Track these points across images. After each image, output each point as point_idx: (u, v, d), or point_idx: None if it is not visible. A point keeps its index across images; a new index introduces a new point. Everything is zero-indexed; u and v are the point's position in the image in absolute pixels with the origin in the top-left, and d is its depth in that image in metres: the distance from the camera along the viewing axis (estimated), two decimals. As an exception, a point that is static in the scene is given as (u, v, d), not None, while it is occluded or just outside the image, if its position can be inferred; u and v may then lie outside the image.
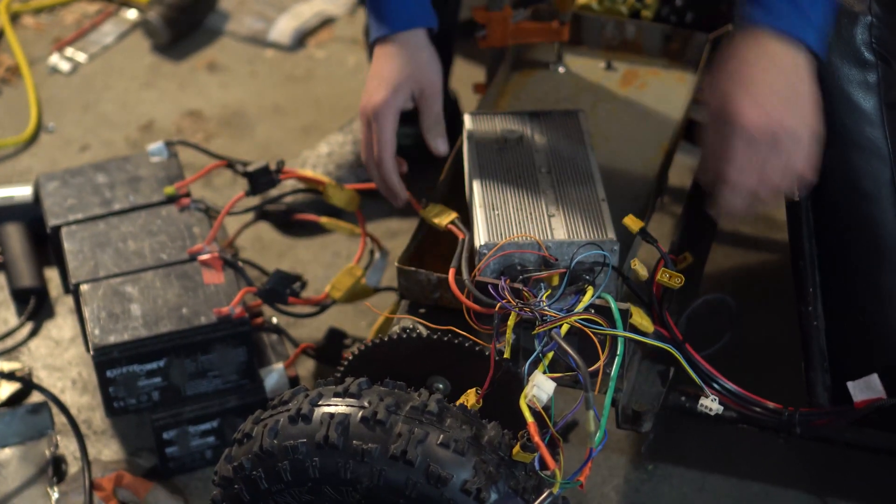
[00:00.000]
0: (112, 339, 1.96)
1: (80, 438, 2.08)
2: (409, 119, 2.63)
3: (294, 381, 2.10)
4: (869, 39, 1.68)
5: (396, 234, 2.57)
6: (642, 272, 1.69)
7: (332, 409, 1.54)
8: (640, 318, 1.69)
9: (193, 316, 1.99)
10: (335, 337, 2.35)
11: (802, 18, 1.56)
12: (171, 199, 2.20)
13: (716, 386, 1.78)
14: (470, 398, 1.63)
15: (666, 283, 1.68)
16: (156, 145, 2.29)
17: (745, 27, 1.59)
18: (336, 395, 1.56)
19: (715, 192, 1.62)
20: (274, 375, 2.09)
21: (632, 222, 1.75)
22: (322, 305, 2.19)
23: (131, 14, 3.27)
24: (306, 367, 2.32)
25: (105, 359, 1.96)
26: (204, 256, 2.08)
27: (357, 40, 3.16)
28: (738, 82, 1.56)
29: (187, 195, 2.20)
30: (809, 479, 2.12)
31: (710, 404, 1.76)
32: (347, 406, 1.54)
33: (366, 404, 1.54)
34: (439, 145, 1.75)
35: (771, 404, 1.80)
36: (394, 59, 1.75)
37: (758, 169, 1.58)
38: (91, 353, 1.95)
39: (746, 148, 1.56)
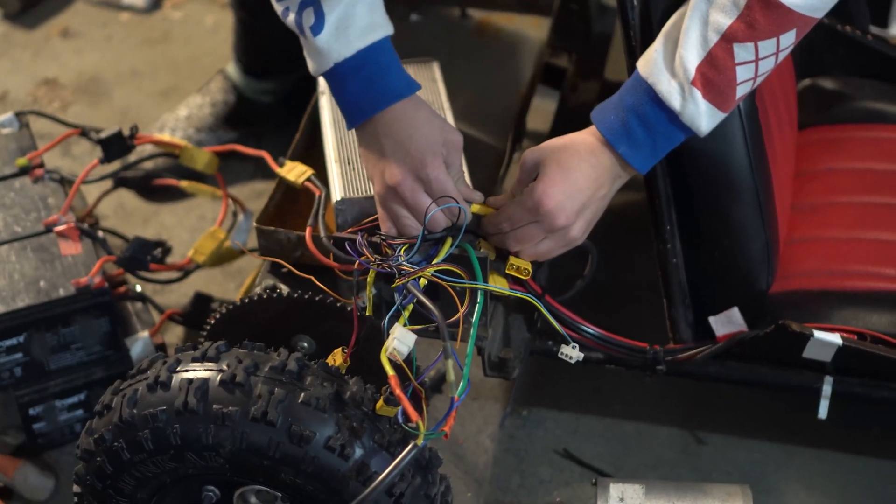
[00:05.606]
0: (-32, 317, 1.91)
1: (-56, 421, 2.04)
2: (269, 75, 2.62)
3: (161, 349, 2.07)
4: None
5: (261, 195, 2.53)
6: (491, 254, 1.67)
7: (190, 375, 1.53)
8: (496, 279, 1.68)
9: (52, 288, 1.95)
10: (203, 301, 2.31)
11: (651, 153, 1.60)
12: (23, 171, 2.14)
13: (579, 331, 1.79)
14: (337, 358, 1.62)
15: (515, 274, 1.66)
16: (5, 117, 2.23)
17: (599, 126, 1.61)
18: (194, 360, 1.55)
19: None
20: (140, 344, 2.05)
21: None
22: (186, 270, 2.16)
23: (-21, -17, 3.17)
24: (175, 333, 2.29)
25: (-38, 338, 1.91)
26: (60, 227, 2.03)
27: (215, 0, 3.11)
28: (559, 161, 1.59)
29: (41, 166, 2.15)
30: (680, 414, 2.15)
31: (570, 352, 1.75)
32: (206, 370, 1.53)
33: (224, 367, 1.53)
34: (474, 196, 1.67)
35: (634, 343, 1.82)
36: (413, 124, 1.62)
37: (526, 235, 1.62)
38: (-53, 332, 1.91)
39: (527, 217, 1.60)
